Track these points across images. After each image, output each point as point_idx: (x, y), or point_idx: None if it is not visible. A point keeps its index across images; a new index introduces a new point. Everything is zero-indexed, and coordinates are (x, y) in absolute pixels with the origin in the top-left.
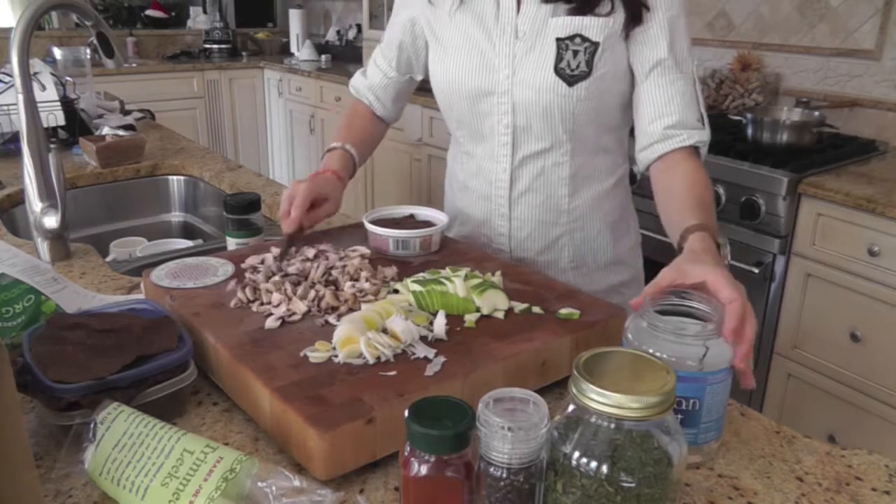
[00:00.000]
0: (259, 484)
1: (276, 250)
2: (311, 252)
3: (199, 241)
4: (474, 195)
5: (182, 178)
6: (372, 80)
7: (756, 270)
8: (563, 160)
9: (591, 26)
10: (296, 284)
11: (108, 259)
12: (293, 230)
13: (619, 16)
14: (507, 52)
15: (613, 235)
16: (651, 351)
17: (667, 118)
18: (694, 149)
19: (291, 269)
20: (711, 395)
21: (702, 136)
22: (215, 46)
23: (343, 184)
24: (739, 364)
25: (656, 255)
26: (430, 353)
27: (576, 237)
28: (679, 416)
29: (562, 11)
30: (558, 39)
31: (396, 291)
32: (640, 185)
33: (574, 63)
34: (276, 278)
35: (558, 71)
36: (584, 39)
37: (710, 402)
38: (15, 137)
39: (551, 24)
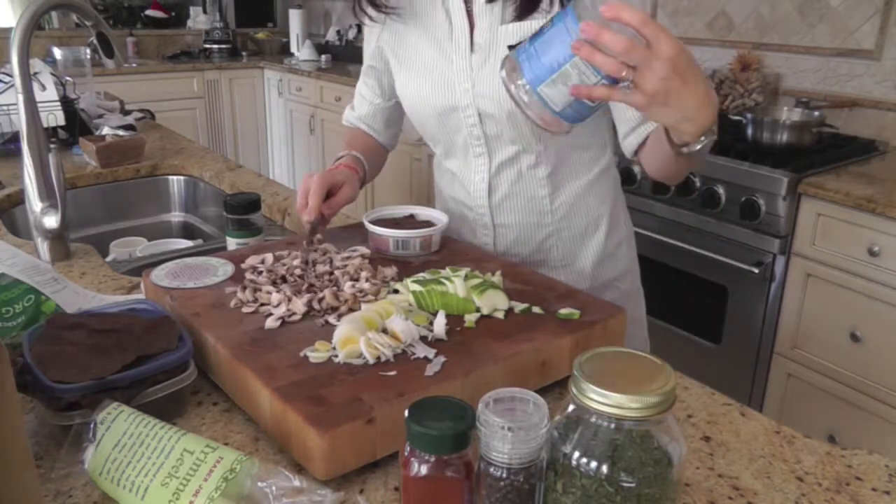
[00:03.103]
0: (259, 484)
1: (278, 252)
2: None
3: (199, 241)
4: (458, 207)
5: (182, 178)
6: (360, 111)
7: (756, 270)
8: (539, 161)
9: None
10: (297, 287)
11: (108, 259)
12: (313, 217)
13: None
14: (465, 66)
15: (603, 230)
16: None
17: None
18: None
19: (297, 271)
20: (557, 30)
21: None
22: (215, 46)
23: (358, 175)
24: (583, 25)
25: (653, 254)
26: (430, 353)
27: (563, 236)
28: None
29: (509, 16)
30: (510, 47)
31: (396, 291)
32: (640, 186)
33: None
34: (298, 271)
35: None
36: None
37: (551, 35)
38: (15, 137)
39: (502, 32)
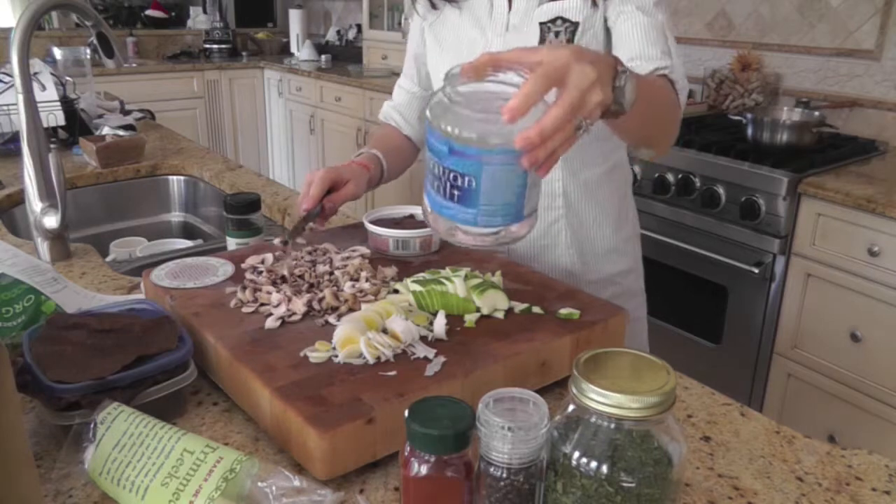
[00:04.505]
0: (259, 484)
1: (278, 252)
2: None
3: (199, 241)
4: None
5: (182, 178)
6: (396, 100)
7: (756, 270)
8: None
9: (570, 8)
10: (296, 286)
11: (108, 259)
12: (311, 206)
13: None
14: (499, 44)
15: (611, 224)
16: (444, 126)
17: (626, 53)
18: (666, 79)
19: (296, 271)
20: (490, 176)
21: (663, 61)
22: (215, 46)
23: (367, 172)
24: (519, 143)
25: (653, 254)
26: (430, 353)
27: (572, 222)
28: (456, 193)
29: None
30: (541, 23)
31: (396, 291)
32: (640, 186)
33: (556, 44)
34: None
35: None
36: (565, 20)
37: (490, 184)
38: (15, 137)
39: (536, 12)
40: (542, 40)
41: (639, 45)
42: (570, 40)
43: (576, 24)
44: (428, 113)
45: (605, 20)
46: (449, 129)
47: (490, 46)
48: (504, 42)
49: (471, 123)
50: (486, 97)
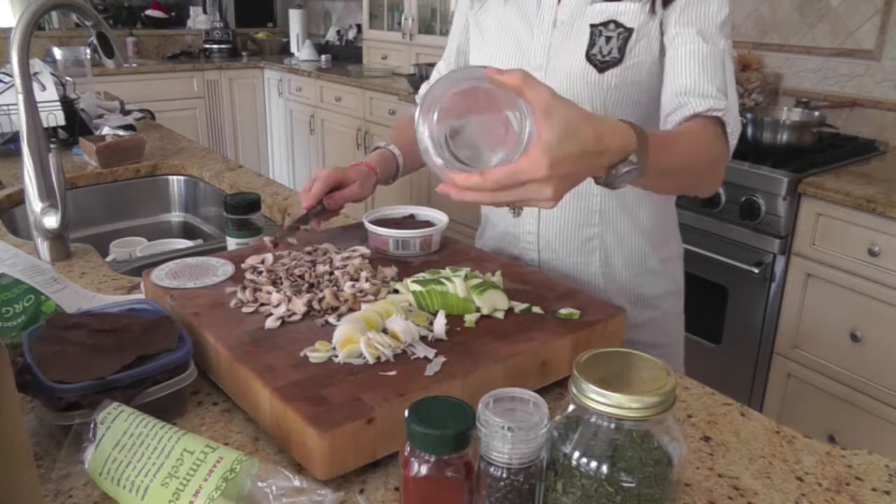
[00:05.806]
0: (259, 484)
1: (278, 252)
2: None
3: (199, 241)
4: None
5: (182, 178)
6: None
7: (756, 270)
8: None
9: (626, 12)
10: (295, 284)
11: (108, 259)
12: (310, 204)
13: None
14: (544, 42)
15: (650, 244)
16: (443, 118)
17: (680, 85)
18: (718, 122)
19: (296, 271)
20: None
21: (717, 103)
22: (215, 46)
23: (376, 175)
24: (448, 178)
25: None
26: (430, 353)
27: (608, 241)
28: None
29: None
30: (592, 25)
31: (396, 291)
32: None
33: (606, 49)
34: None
35: (589, 57)
36: (618, 25)
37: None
38: (15, 137)
39: (588, 11)
40: (592, 44)
41: (693, 79)
42: (623, 47)
43: (630, 31)
44: (443, 83)
45: (662, 32)
46: (444, 126)
47: (535, 43)
48: (549, 41)
49: (462, 136)
50: (488, 121)
